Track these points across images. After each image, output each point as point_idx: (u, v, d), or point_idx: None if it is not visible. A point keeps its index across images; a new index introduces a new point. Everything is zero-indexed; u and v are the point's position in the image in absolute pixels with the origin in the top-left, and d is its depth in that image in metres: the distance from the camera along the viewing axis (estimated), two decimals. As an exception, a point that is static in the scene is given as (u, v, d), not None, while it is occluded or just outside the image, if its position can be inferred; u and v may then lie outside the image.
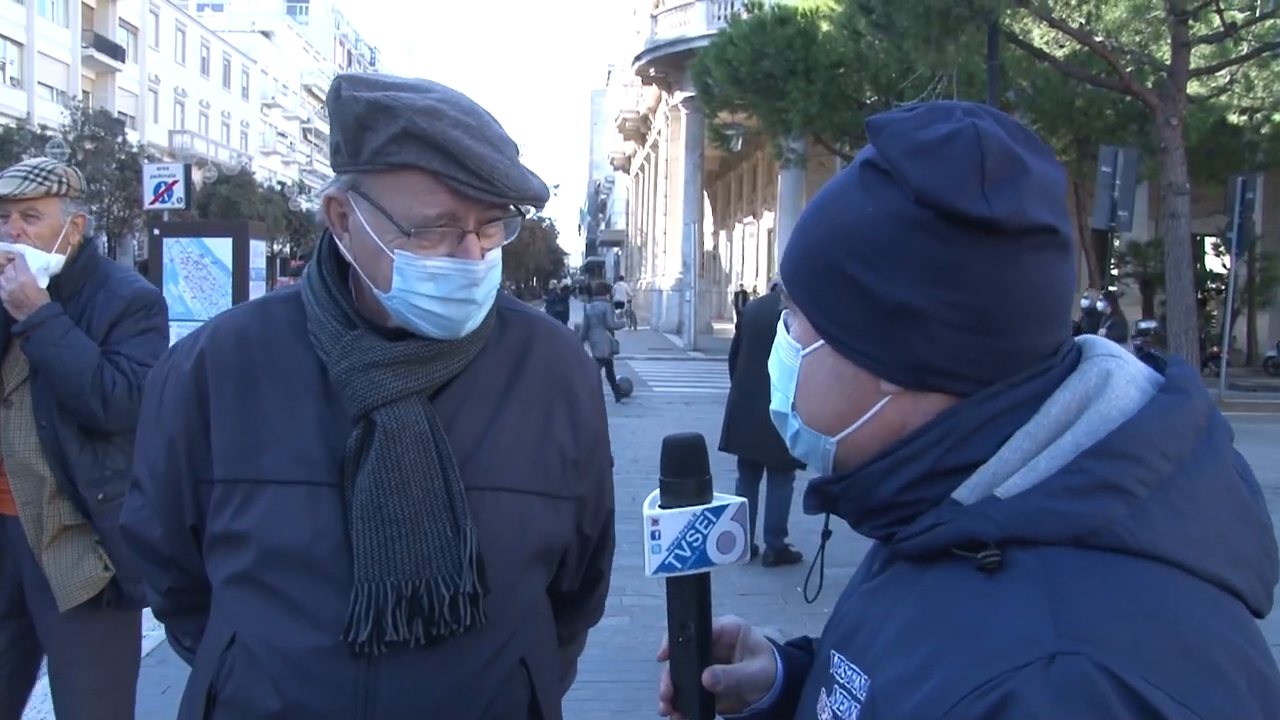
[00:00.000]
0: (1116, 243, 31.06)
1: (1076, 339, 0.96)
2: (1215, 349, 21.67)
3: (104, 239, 44.73)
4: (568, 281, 57.07)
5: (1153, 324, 26.08)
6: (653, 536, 1.12)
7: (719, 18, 32.58)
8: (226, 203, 45.95)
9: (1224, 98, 21.09)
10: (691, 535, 1.12)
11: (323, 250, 1.52)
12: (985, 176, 0.88)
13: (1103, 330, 15.93)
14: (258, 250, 11.02)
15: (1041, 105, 25.32)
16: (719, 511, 1.14)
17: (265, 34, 77.09)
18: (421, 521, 1.40)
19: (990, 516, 0.86)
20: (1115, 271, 29.30)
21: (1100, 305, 17.63)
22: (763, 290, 34.06)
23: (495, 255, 1.44)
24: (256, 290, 10.82)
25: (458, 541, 1.41)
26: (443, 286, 1.39)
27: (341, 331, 1.44)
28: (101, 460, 2.91)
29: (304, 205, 63.65)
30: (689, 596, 1.14)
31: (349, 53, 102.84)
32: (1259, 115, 22.05)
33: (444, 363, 1.46)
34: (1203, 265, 27.13)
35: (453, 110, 1.36)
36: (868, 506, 0.97)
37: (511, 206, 1.44)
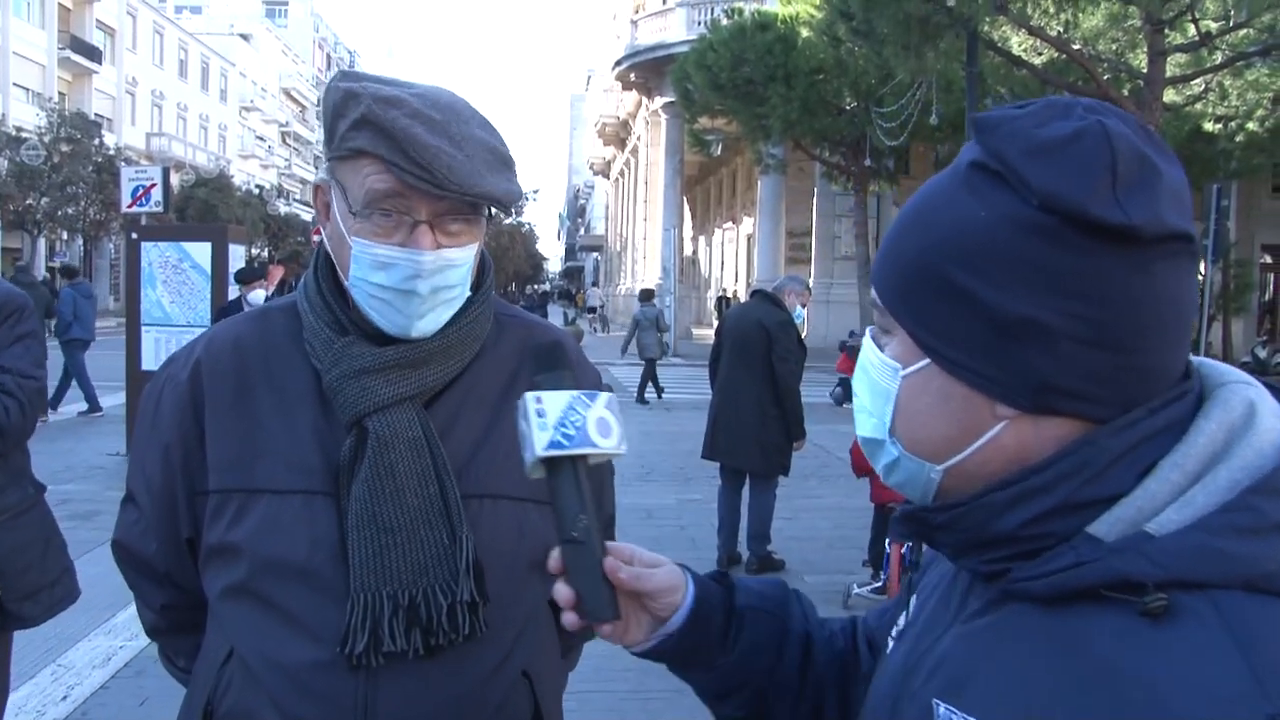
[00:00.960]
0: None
1: (1191, 361, 0.90)
2: (1191, 355, 21.76)
3: (80, 242, 44.43)
4: (546, 287, 56.99)
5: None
6: (538, 415, 1.11)
7: (699, 23, 32.62)
8: (204, 206, 45.68)
9: (1199, 106, 21.26)
10: (572, 415, 1.11)
11: (319, 258, 1.51)
12: (1117, 179, 0.81)
13: None
14: (237, 255, 10.97)
15: (1019, 112, 25.41)
16: (593, 396, 1.14)
17: (244, 37, 76.73)
18: (418, 529, 1.38)
19: (1147, 555, 0.78)
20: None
21: None
22: (744, 296, 34.12)
23: (456, 254, 1.40)
24: (233, 296, 10.75)
25: (454, 549, 1.38)
26: (391, 275, 1.37)
27: (334, 338, 1.43)
28: None
29: (282, 209, 63.30)
30: (576, 482, 1.11)
31: (328, 56, 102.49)
32: (1233, 123, 22.23)
33: (436, 367, 1.44)
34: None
35: (417, 103, 1.36)
36: (981, 539, 0.88)
37: (484, 208, 1.42)
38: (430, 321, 1.41)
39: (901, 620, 1.07)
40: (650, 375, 17.87)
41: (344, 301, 1.46)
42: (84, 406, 14.01)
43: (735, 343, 7.22)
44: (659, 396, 17.73)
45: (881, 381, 0.94)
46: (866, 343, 0.98)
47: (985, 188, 0.86)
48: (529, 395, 1.14)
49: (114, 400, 13.64)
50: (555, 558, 1.11)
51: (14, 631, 2.94)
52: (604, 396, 1.15)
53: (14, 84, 44.20)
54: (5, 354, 2.78)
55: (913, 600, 1.08)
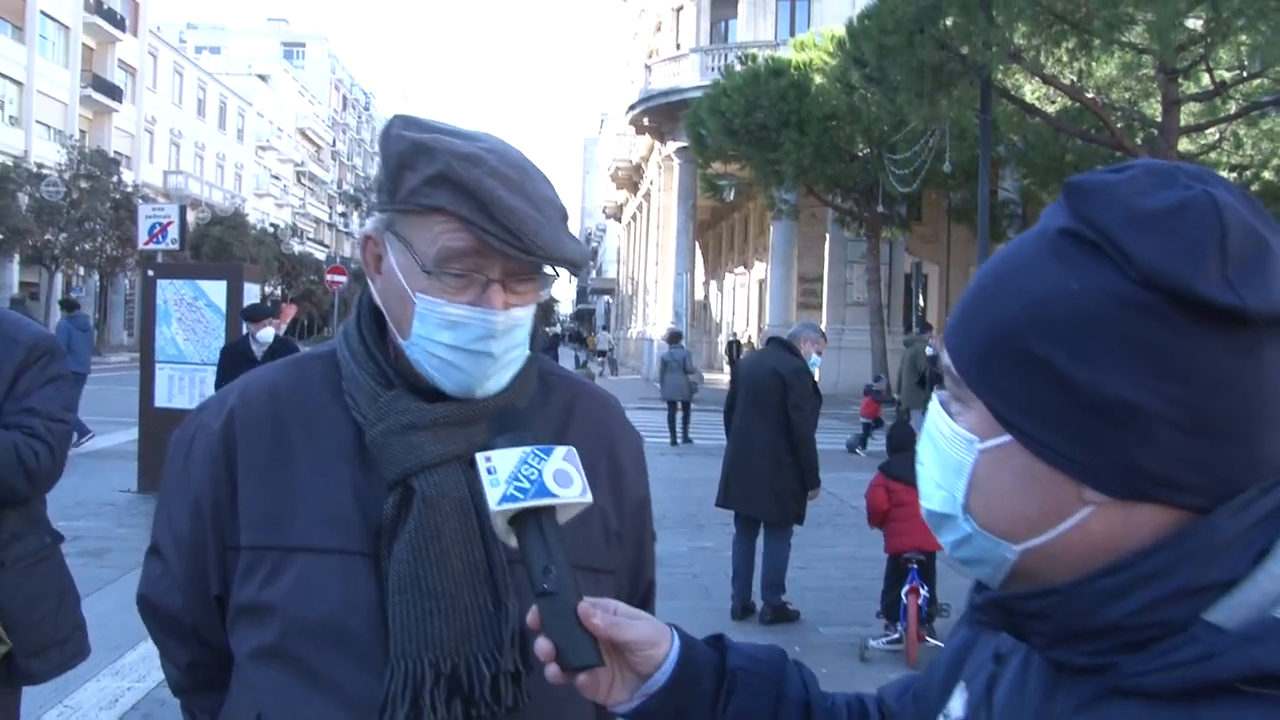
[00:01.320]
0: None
1: None
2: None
3: (96, 278, 44.71)
4: (557, 329, 57.10)
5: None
6: (489, 473, 1.12)
7: (713, 69, 32.85)
8: (219, 244, 45.99)
9: (1213, 155, 21.29)
10: (526, 469, 1.13)
11: (362, 305, 1.46)
12: (1227, 256, 0.76)
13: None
14: (252, 293, 10.99)
15: (1032, 160, 25.55)
16: (548, 450, 1.15)
17: (262, 77, 77.60)
18: (462, 595, 1.32)
19: None
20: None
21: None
22: (756, 341, 34.12)
23: (522, 313, 1.37)
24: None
25: (499, 617, 1.33)
26: (461, 335, 1.32)
27: (378, 391, 1.37)
28: None
29: (296, 248, 63.67)
30: (542, 535, 1.11)
31: (344, 97, 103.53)
32: (1248, 173, 22.25)
33: (484, 426, 1.35)
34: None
35: (494, 160, 1.32)
36: (1082, 629, 0.81)
37: (545, 266, 1.38)
38: (495, 382, 1.37)
39: (958, 711, 1.00)
40: (684, 417, 18.05)
41: (388, 352, 1.41)
42: (95, 443, 14.02)
43: (750, 390, 7.19)
44: (684, 441, 17.74)
45: (953, 453, 0.89)
46: (935, 411, 0.93)
47: (1078, 257, 0.81)
48: (479, 455, 1.15)
49: (126, 437, 13.65)
50: (532, 613, 1.10)
51: (22, 687, 2.84)
52: (560, 450, 1.17)
53: (37, 121, 44.69)
54: (36, 395, 2.71)
55: (960, 692, 1.01)
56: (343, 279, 31.21)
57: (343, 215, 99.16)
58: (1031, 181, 27.70)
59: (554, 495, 1.13)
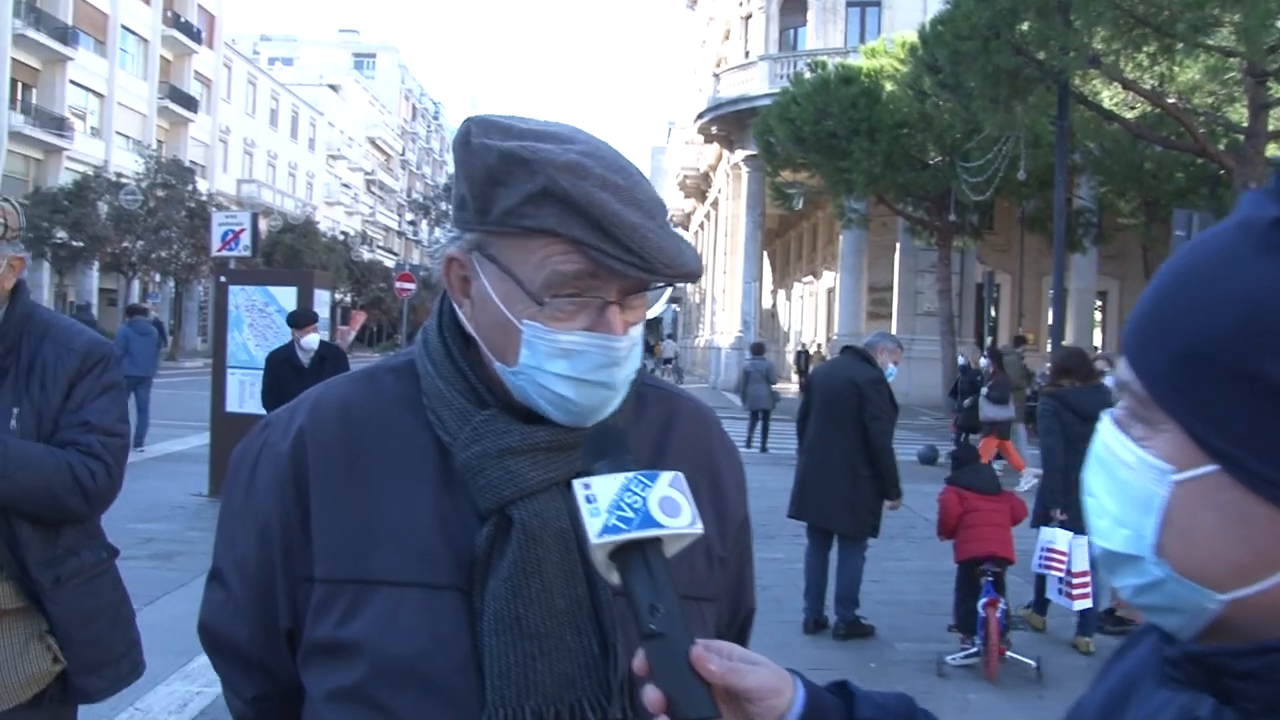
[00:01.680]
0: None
1: None
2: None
3: (172, 285, 45.67)
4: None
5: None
6: (588, 501, 1.01)
7: (782, 76, 32.66)
8: (290, 251, 46.71)
9: (1301, 162, 20.67)
10: (629, 497, 1.02)
11: (444, 314, 1.31)
12: None
13: (984, 390, 15.26)
14: (322, 299, 11.05)
15: (1110, 168, 25.02)
16: (652, 476, 1.04)
17: (333, 87, 78.80)
18: (565, 636, 1.18)
19: None
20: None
21: (983, 363, 16.89)
22: (824, 350, 33.83)
23: (638, 331, 1.23)
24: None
25: (606, 660, 1.19)
26: (578, 365, 1.18)
27: (471, 410, 1.24)
28: (54, 537, 2.58)
29: (365, 255, 64.50)
30: (648, 570, 1.00)
31: (413, 106, 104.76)
32: (1337, 181, 21.56)
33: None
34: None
35: (599, 167, 1.16)
36: None
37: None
38: (610, 407, 1.23)
39: None
40: (764, 428, 18.32)
41: (480, 370, 1.27)
42: (169, 446, 14.21)
43: (825, 400, 7.03)
44: (761, 451, 17.86)
45: (1140, 485, 0.76)
46: (1111, 434, 0.80)
47: None
48: (576, 481, 1.04)
49: (199, 441, 13.81)
50: (639, 657, 0.99)
51: (79, 705, 2.74)
52: (667, 475, 1.05)
53: (117, 132, 45.82)
54: (91, 407, 2.61)
55: None
56: (411, 286, 31.43)
57: (411, 223, 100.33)
58: (1109, 190, 27.14)
59: (661, 526, 1.01)
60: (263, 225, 37.46)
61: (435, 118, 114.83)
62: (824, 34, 35.25)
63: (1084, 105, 18.40)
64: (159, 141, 47.56)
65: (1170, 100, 17.83)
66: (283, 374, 8.36)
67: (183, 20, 51.16)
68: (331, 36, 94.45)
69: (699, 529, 1.02)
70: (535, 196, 1.13)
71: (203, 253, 36.38)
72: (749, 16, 38.77)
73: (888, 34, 28.78)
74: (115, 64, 45.68)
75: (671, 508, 1.02)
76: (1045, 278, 32.84)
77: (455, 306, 1.28)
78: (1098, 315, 33.72)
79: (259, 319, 10.74)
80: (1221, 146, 18.38)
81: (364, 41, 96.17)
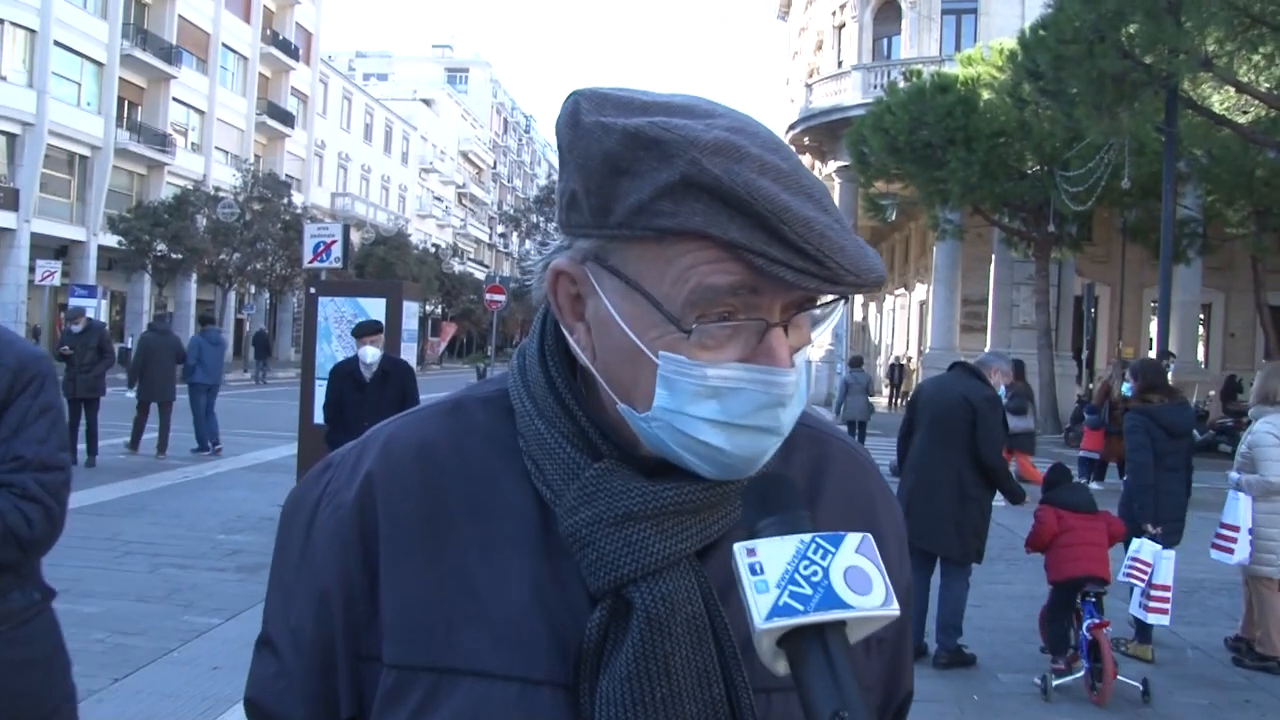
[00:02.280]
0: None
1: None
2: None
3: (267, 296, 46.64)
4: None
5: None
6: (753, 572, 0.80)
7: (875, 86, 32.17)
8: (382, 264, 47.34)
9: None
10: (806, 568, 0.80)
11: (547, 334, 1.05)
12: None
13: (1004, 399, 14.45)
14: (410, 311, 11.01)
15: (1218, 175, 24.12)
16: (835, 540, 0.82)
17: (426, 102, 79.98)
18: None
19: None
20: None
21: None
22: (915, 364, 33.23)
23: (804, 360, 0.96)
24: (408, 352, 10.79)
25: None
26: (732, 407, 0.91)
27: (580, 462, 0.98)
28: None
29: (456, 268, 65.23)
30: (829, 663, 0.77)
31: (505, 120, 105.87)
32: None
33: (723, 510, 0.98)
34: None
35: (755, 146, 0.88)
36: None
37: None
38: (769, 455, 0.97)
39: None
40: (860, 437, 18.33)
41: (588, 404, 1.02)
42: (261, 455, 14.33)
43: (935, 417, 6.74)
44: None
45: None
46: None
47: None
48: (738, 546, 0.82)
49: (290, 450, 13.91)
50: None
51: None
52: (852, 539, 0.82)
53: (216, 147, 47.02)
54: (26, 435, 2.23)
55: None
56: (501, 298, 31.59)
57: (502, 236, 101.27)
58: (1216, 199, 26.18)
59: (847, 606, 0.78)
60: (356, 238, 38.04)
61: (526, 131, 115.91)
62: (919, 42, 34.67)
63: (1193, 110, 17.71)
64: (256, 156, 48.66)
65: (1286, 105, 17.08)
66: (345, 387, 8.23)
67: (281, 38, 52.38)
68: (425, 52, 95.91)
69: (895, 610, 0.79)
70: (674, 188, 0.87)
71: (296, 265, 37.08)
72: (842, 26, 38.32)
73: (984, 41, 28.20)
74: (216, 81, 46.89)
75: (860, 581, 0.80)
76: (1146, 290, 31.83)
77: (565, 332, 1.01)
78: (1200, 329, 32.55)
79: (347, 330, 10.74)
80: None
81: (457, 56, 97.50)
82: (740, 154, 0.86)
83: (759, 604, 0.78)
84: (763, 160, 0.87)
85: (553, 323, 1.05)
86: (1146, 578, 6.42)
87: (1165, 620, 6.51)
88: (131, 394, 14.52)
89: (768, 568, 0.80)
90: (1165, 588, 6.36)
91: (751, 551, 0.81)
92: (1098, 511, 6.44)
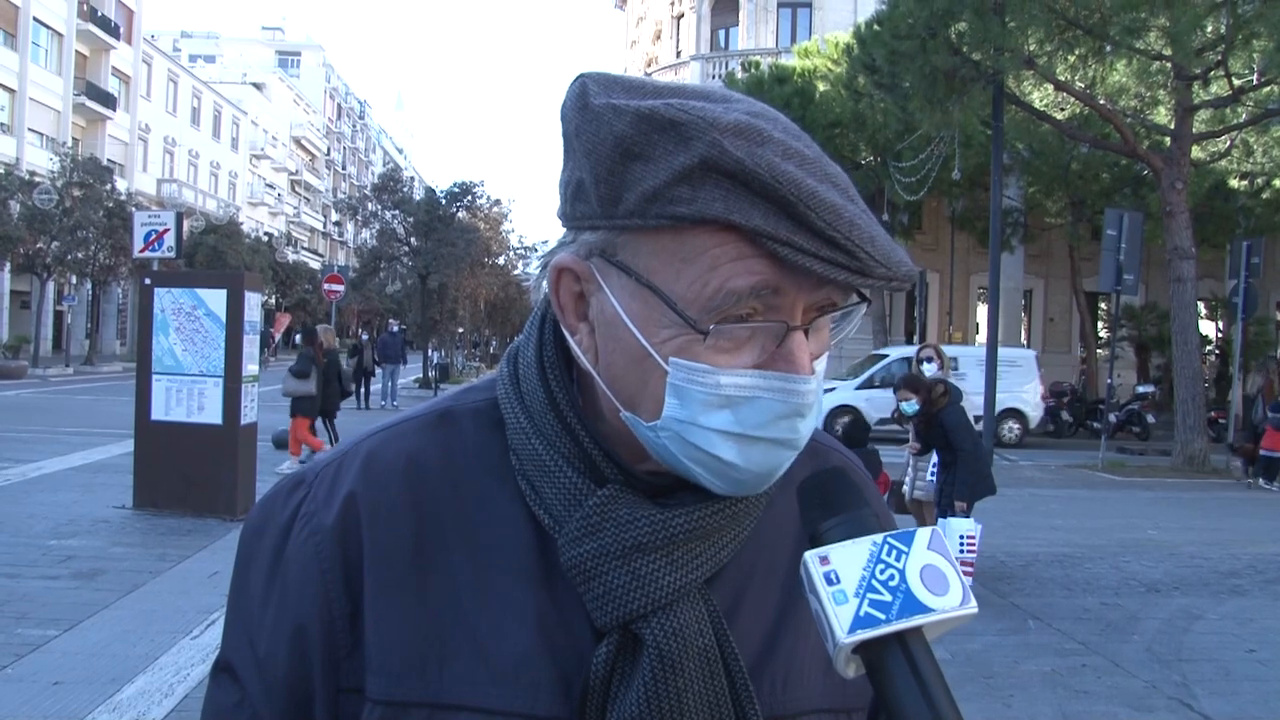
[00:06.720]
0: (1104, 306, 31.16)
1: None
2: (1214, 413, 21.50)
3: (89, 287, 44.38)
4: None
5: (1151, 388, 25.98)
6: (829, 582, 0.75)
7: (714, 76, 32.66)
8: (213, 253, 45.63)
9: (1223, 163, 21.12)
10: (882, 571, 0.76)
11: (545, 340, 0.97)
12: None
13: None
14: (253, 302, 10.65)
15: (1038, 168, 25.43)
16: (907, 538, 0.77)
17: (256, 86, 77.35)
18: None
19: None
20: (1105, 335, 29.28)
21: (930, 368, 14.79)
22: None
23: (823, 366, 0.89)
24: (250, 346, 10.43)
25: None
26: (747, 417, 0.84)
27: (582, 487, 0.90)
28: None
29: (290, 257, 63.35)
30: (915, 672, 0.74)
31: (339, 106, 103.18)
32: (1259, 180, 22.07)
33: (734, 531, 0.93)
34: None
35: (777, 130, 0.82)
36: None
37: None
38: (784, 468, 0.90)
39: None
40: None
41: (591, 423, 0.93)
42: (88, 456, 13.67)
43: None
44: None
45: None
46: None
47: None
48: (810, 556, 0.77)
49: (121, 449, 13.30)
50: None
51: None
52: (923, 534, 0.78)
53: (29, 128, 44.40)
54: None
55: None
56: (340, 288, 30.76)
57: (337, 224, 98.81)
58: (1037, 189, 27.58)
59: (929, 610, 0.74)
60: (185, 226, 36.47)
61: (361, 116, 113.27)
62: (756, 34, 35.33)
63: (1017, 105, 18.58)
64: (74, 139, 46.17)
65: (1100, 102, 18.07)
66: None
67: (100, 15, 49.70)
68: (255, 34, 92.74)
69: (973, 607, 0.76)
70: (693, 172, 0.79)
71: (122, 254, 35.43)
72: (680, 16, 38.74)
73: (819, 34, 28.94)
74: (27, 58, 44.24)
75: (937, 581, 0.76)
76: (973, 276, 33.23)
77: (566, 334, 0.93)
78: (1022, 315, 34.21)
79: (186, 323, 10.30)
80: (1146, 146, 18.74)
81: (288, 40, 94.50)
82: (763, 137, 0.80)
83: (839, 616, 0.74)
84: (786, 145, 0.81)
85: (552, 327, 0.97)
86: None
87: None
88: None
89: (843, 576, 0.75)
90: None
91: (825, 559, 0.76)
92: None
